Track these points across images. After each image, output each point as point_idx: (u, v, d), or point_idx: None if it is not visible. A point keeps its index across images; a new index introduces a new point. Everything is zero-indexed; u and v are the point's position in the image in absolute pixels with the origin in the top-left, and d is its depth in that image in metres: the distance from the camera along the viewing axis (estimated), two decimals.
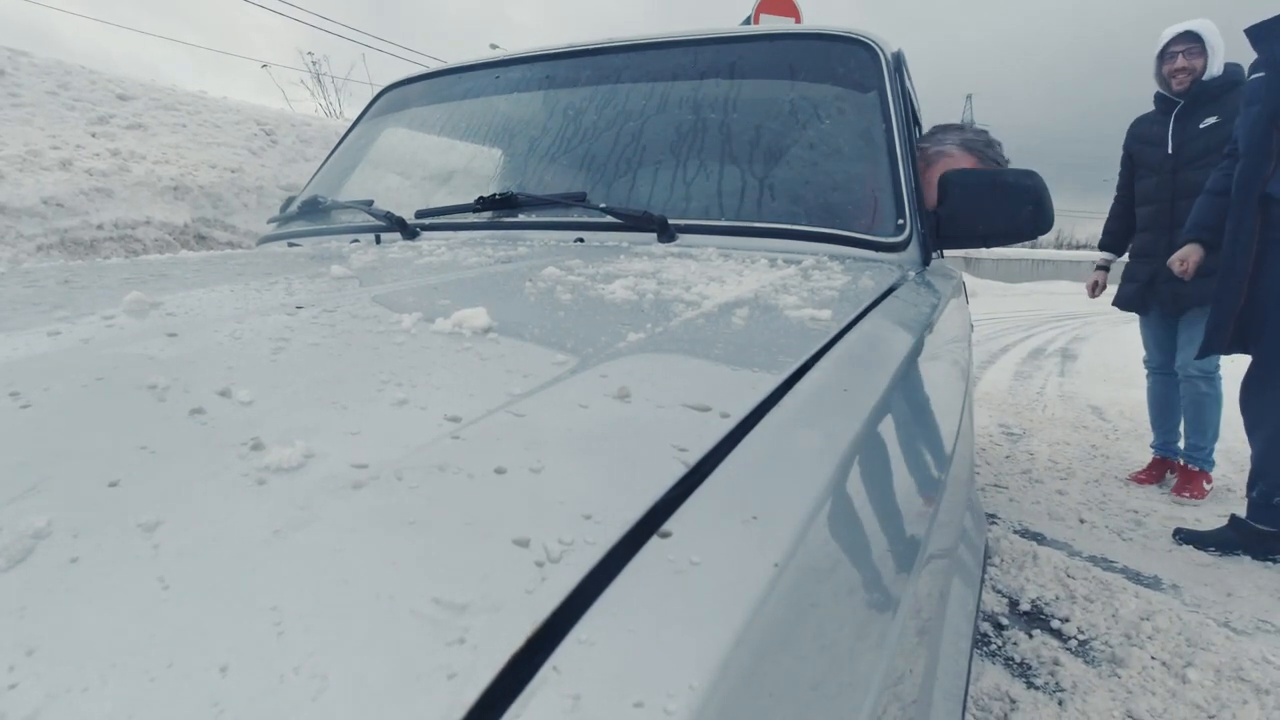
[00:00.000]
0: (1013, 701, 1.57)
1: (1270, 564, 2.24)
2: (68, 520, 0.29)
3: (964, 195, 1.25)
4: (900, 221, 1.19)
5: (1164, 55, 2.68)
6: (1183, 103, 2.66)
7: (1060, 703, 1.57)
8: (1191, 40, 2.59)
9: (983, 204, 1.23)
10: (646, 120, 1.42)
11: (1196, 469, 2.83)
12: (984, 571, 0.85)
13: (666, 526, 0.30)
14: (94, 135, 4.48)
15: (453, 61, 1.88)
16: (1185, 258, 2.41)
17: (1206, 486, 2.82)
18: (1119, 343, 7.28)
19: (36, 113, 4.48)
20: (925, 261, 1.23)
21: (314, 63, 12.90)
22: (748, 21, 4.72)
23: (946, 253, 2.22)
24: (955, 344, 1.00)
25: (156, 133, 4.84)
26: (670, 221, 1.21)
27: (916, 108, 1.97)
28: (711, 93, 1.42)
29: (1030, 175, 1.22)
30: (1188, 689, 1.61)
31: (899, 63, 1.40)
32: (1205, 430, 2.78)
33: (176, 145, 4.77)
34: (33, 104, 4.55)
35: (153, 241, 3.93)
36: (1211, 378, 2.73)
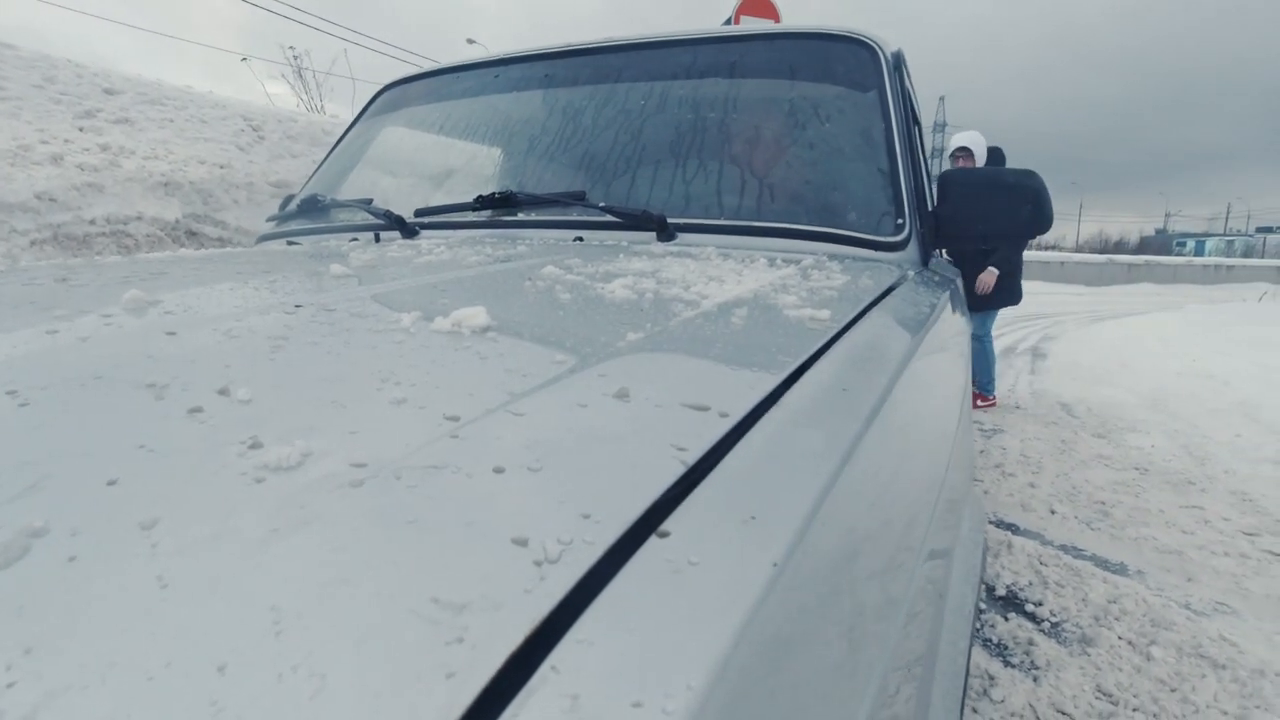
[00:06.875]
0: (991, 678, 1.67)
1: (1226, 555, 2.35)
2: (66, 519, 0.29)
3: (963, 195, 1.25)
4: (899, 221, 1.19)
5: (954, 156, 4.05)
6: None
7: (1035, 679, 1.68)
8: (962, 149, 4.00)
9: (982, 204, 1.23)
10: (646, 119, 1.42)
11: (979, 393, 4.46)
12: (983, 570, 0.85)
13: (665, 526, 0.30)
14: (81, 129, 4.45)
15: (452, 61, 1.88)
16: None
17: (980, 404, 4.38)
18: (1087, 342, 7.32)
19: (23, 106, 4.44)
20: (925, 261, 1.23)
21: (295, 57, 12.58)
22: (728, 23, 4.77)
23: None
24: (954, 343, 1.00)
25: (144, 128, 4.81)
26: (670, 220, 1.21)
27: (916, 108, 1.97)
28: (711, 92, 1.42)
29: (1030, 175, 1.22)
30: (1152, 665, 1.73)
31: (899, 62, 1.39)
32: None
33: (164, 140, 4.74)
34: (19, 97, 4.52)
35: (144, 237, 3.90)
36: (982, 339, 4.29)
